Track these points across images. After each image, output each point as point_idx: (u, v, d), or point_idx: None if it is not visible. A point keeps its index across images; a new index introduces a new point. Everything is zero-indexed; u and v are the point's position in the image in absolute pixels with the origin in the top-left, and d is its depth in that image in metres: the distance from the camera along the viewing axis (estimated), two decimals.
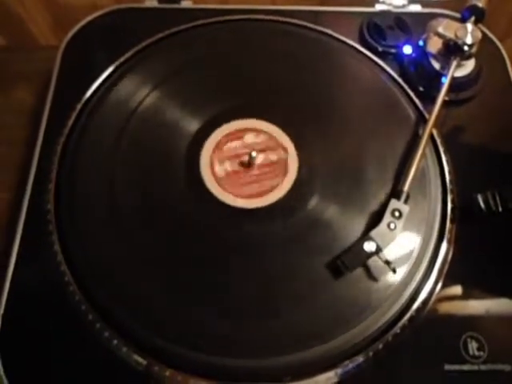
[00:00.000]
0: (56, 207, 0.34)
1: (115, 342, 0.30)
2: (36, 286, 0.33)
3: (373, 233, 0.32)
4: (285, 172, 0.36)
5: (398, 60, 0.42)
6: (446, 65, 0.39)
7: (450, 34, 0.38)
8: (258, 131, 0.38)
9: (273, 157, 0.37)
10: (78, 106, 0.38)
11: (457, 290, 0.34)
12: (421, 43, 0.41)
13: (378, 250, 0.32)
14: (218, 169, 0.36)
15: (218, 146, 0.37)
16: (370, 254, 0.32)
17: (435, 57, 0.40)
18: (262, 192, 0.36)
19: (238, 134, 0.38)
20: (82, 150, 0.37)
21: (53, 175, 0.35)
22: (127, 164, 0.36)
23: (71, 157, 0.36)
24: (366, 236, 0.32)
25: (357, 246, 0.32)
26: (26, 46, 0.53)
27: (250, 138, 0.38)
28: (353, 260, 0.32)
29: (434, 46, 0.40)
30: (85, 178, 0.36)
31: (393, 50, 0.43)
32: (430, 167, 0.37)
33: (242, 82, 0.41)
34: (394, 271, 0.32)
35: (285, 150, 0.37)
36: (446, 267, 0.34)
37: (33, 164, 0.37)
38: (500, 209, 0.34)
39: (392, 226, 0.32)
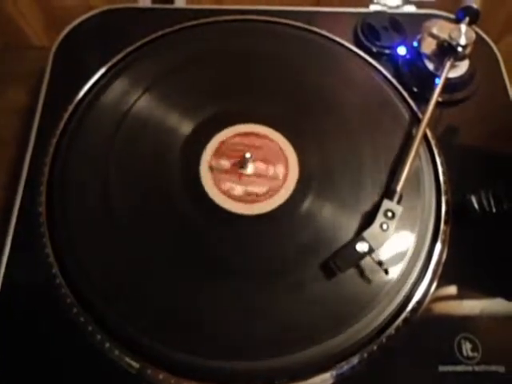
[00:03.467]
0: (48, 209, 0.34)
1: (108, 344, 0.30)
2: (27, 289, 0.33)
3: (365, 233, 0.32)
4: (283, 173, 0.36)
5: (392, 61, 0.43)
6: (440, 66, 0.39)
7: (444, 35, 0.38)
8: (255, 135, 0.38)
9: (270, 157, 0.37)
10: (71, 107, 0.38)
11: (451, 290, 0.34)
12: (415, 44, 0.41)
13: (371, 251, 0.32)
14: (217, 175, 0.36)
15: (217, 151, 0.37)
16: (363, 255, 0.32)
17: (429, 58, 0.41)
18: (261, 194, 0.35)
19: (236, 139, 0.37)
20: (74, 151, 0.36)
21: (45, 177, 0.35)
22: (120, 165, 0.36)
23: (63, 158, 0.36)
24: (358, 236, 0.32)
25: (349, 247, 0.32)
26: (19, 45, 0.52)
27: (246, 141, 0.38)
28: (345, 261, 0.32)
29: (428, 46, 0.40)
30: (77, 180, 0.35)
31: (387, 51, 0.43)
32: (424, 168, 0.37)
33: (234, 84, 0.40)
34: (387, 272, 0.32)
35: (282, 150, 0.37)
36: (441, 268, 0.34)
37: (25, 165, 0.36)
38: (494, 209, 0.34)
39: (385, 226, 0.32)
